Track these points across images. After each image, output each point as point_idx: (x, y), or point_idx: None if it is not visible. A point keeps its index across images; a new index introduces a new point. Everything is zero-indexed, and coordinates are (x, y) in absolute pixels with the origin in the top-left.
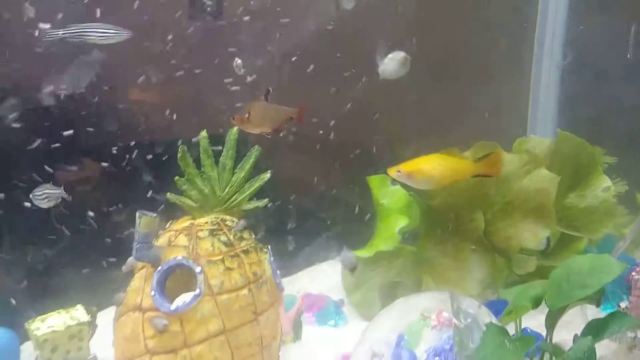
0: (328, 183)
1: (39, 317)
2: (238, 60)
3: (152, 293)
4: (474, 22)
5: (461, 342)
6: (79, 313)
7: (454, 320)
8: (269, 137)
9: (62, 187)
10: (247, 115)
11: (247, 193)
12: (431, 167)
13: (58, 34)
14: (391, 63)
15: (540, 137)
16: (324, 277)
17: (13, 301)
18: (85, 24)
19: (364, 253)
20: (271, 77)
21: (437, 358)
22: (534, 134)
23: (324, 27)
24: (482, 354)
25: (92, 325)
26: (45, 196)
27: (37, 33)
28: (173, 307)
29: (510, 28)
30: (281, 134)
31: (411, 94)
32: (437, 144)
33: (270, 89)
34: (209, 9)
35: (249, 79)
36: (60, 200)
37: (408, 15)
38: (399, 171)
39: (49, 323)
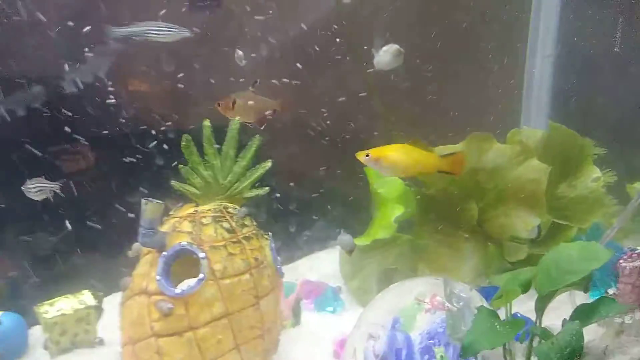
0: (326, 173)
1: (48, 302)
2: (239, 52)
3: (158, 277)
4: (469, 15)
5: (454, 325)
6: (86, 297)
7: (447, 304)
8: (252, 126)
9: (59, 182)
10: (232, 104)
11: (248, 181)
12: (397, 156)
13: (123, 31)
14: (386, 55)
15: (533, 128)
16: (322, 264)
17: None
18: (148, 22)
19: (361, 241)
20: (269, 68)
21: (430, 340)
22: (527, 126)
23: (325, 18)
24: (473, 336)
25: (98, 309)
26: (38, 189)
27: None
28: (178, 291)
29: (504, 22)
30: (263, 126)
31: (409, 86)
32: (434, 134)
33: (258, 80)
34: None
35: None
36: (53, 193)
37: (403, 8)
38: (367, 155)
39: (58, 307)
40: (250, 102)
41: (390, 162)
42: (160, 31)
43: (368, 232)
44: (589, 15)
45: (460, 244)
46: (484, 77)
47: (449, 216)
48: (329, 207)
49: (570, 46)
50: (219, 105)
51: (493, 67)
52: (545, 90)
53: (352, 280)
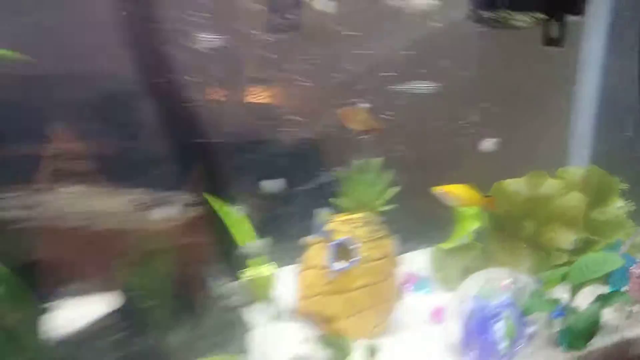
0: (419, 192)
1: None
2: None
3: (327, 257)
4: (526, 74)
5: (517, 299)
6: (271, 267)
7: (513, 285)
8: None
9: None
10: (358, 115)
11: (383, 199)
12: (460, 192)
13: (399, 88)
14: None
15: (576, 167)
16: (416, 261)
17: None
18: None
19: (447, 245)
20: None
21: (501, 308)
22: (572, 165)
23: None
24: (529, 303)
25: (275, 277)
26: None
27: None
28: (338, 267)
29: (553, 75)
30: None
31: (486, 128)
32: (501, 166)
33: (368, 105)
34: (288, 21)
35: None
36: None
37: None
38: (440, 189)
39: (253, 272)
40: (368, 118)
41: (454, 196)
42: (423, 87)
43: (452, 239)
44: (632, 68)
45: (519, 252)
46: (543, 127)
47: (512, 231)
48: (422, 219)
49: (612, 99)
50: (342, 113)
51: (545, 121)
52: (588, 137)
53: (439, 272)
